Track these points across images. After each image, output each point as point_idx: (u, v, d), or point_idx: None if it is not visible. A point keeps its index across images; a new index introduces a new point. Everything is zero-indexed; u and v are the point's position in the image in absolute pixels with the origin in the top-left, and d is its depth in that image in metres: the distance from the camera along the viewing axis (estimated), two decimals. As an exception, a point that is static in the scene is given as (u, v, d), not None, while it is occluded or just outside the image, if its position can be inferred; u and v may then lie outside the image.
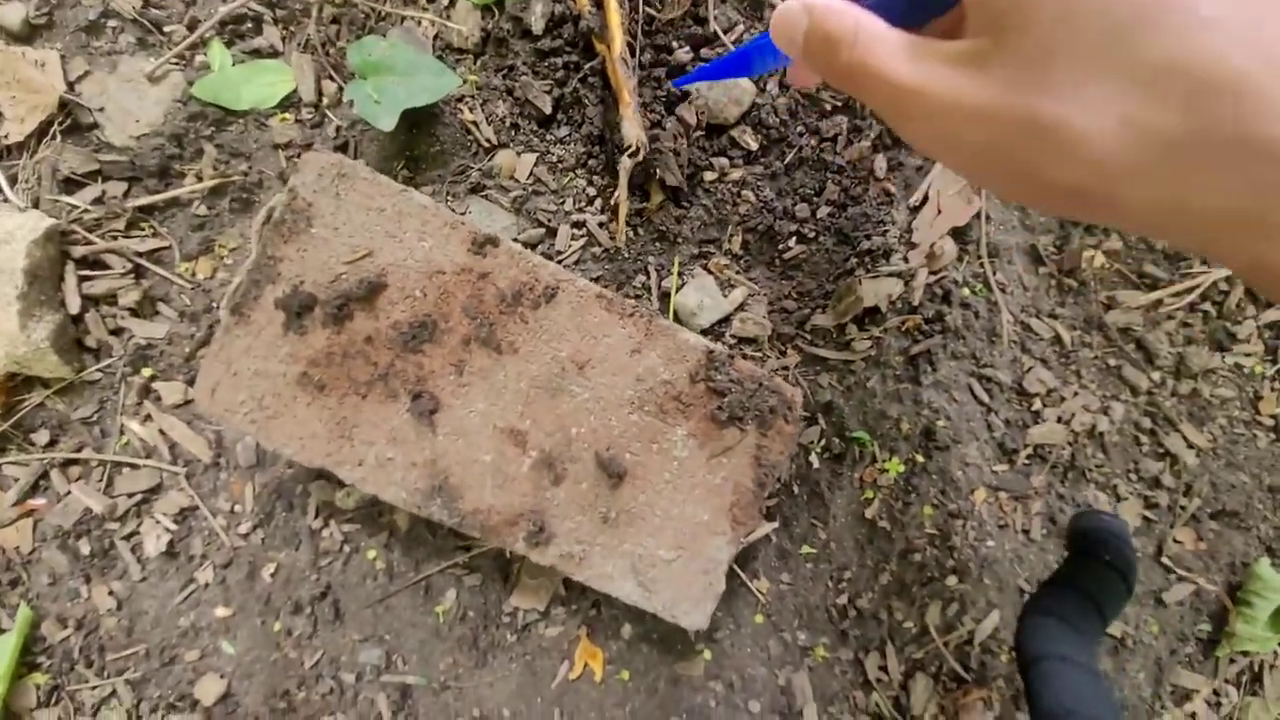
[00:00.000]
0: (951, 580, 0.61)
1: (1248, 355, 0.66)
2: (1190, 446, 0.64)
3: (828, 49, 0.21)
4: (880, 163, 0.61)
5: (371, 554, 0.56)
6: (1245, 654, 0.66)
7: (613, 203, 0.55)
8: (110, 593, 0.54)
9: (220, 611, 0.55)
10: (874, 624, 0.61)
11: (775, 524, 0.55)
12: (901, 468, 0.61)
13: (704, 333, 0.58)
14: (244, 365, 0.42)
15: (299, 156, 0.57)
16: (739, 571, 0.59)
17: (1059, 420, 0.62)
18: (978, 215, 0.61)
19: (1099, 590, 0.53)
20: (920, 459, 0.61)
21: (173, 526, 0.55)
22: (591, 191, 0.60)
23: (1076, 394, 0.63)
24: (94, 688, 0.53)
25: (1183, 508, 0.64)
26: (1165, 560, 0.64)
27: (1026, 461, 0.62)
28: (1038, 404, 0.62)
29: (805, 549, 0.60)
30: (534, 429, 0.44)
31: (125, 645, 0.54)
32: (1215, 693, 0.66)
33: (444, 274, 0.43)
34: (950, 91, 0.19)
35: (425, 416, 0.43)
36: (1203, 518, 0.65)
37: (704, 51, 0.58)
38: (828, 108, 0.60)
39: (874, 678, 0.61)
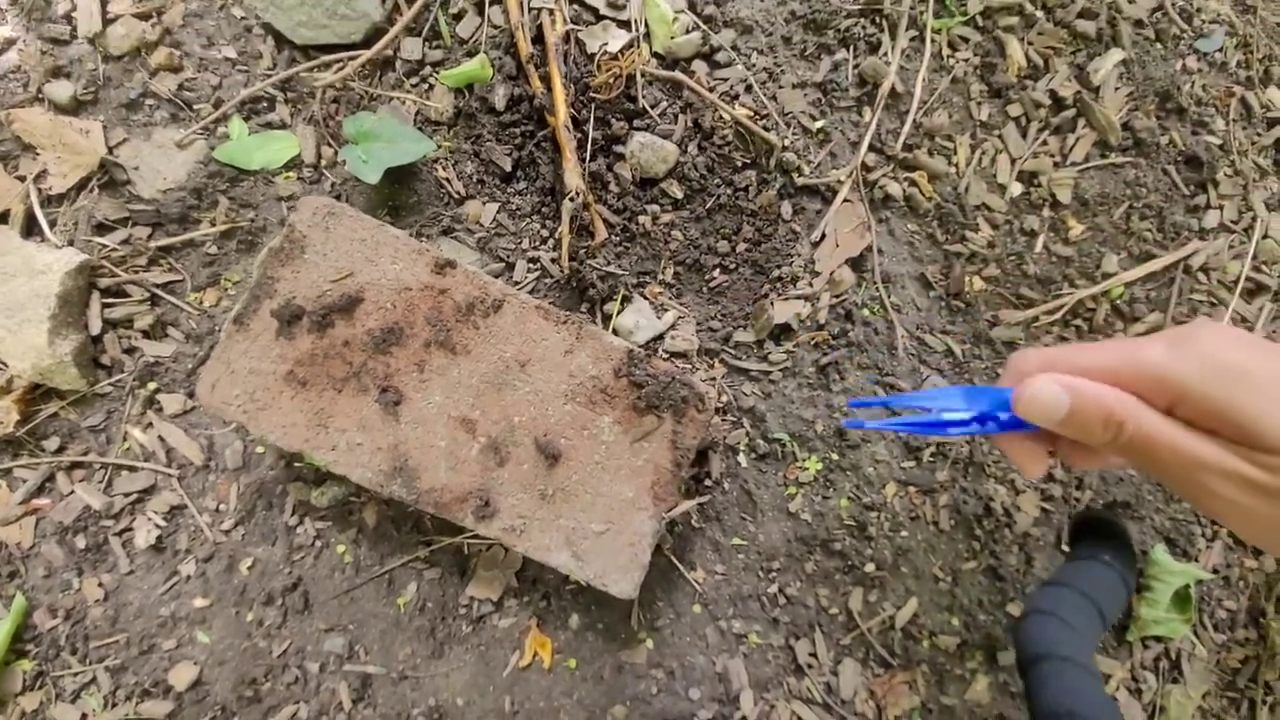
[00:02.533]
0: (870, 568, 0.67)
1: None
2: (1076, 445, 0.73)
3: (1108, 426, 0.25)
4: (786, 208, 0.73)
5: (341, 549, 0.62)
6: (1159, 639, 0.71)
7: (556, 236, 0.66)
8: (99, 584, 0.59)
9: (199, 602, 0.60)
10: (803, 611, 0.67)
11: (694, 502, 0.62)
12: (819, 465, 0.69)
13: (641, 348, 0.67)
14: (241, 365, 0.51)
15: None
16: (677, 563, 0.65)
17: (956, 421, 0.71)
18: (870, 248, 0.73)
19: (1098, 590, 0.55)
20: (835, 457, 0.69)
21: (162, 523, 0.61)
22: (545, 233, 0.71)
23: (970, 399, 0.72)
24: (75, 674, 0.58)
25: (1077, 499, 0.72)
26: (1065, 549, 0.71)
27: (931, 459, 0.70)
28: (936, 407, 0.71)
29: (736, 541, 0.67)
30: (482, 418, 0.52)
31: (108, 634, 0.59)
32: (1134, 678, 0.70)
33: (411, 290, 0.52)
34: (1240, 471, 0.23)
35: (390, 407, 0.51)
36: (1096, 508, 0.72)
37: (635, 122, 0.71)
38: (738, 164, 0.72)
39: (804, 663, 0.65)
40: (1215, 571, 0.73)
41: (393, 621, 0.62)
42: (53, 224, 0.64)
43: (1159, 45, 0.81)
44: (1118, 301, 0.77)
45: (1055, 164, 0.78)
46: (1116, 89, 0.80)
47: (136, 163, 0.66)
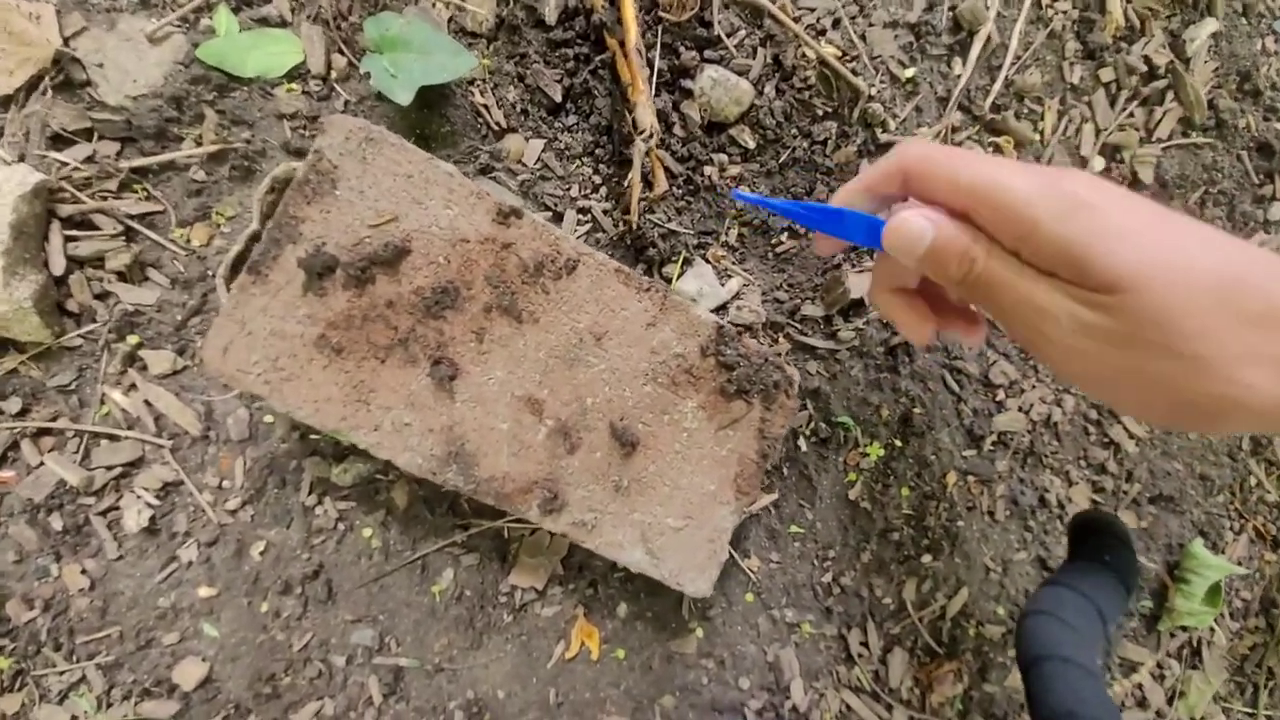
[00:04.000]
0: (926, 558, 0.65)
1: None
2: (1131, 437, 0.71)
3: (961, 263, 0.26)
4: (865, 166, 0.65)
5: (367, 532, 0.55)
6: (1185, 629, 0.72)
7: (625, 186, 0.57)
8: (83, 571, 0.51)
9: (204, 592, 0.53)
10: (855, 601, 0.64)
11: (775, 495, 0.57)
12: (881, 452, 0.65)
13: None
14: (259, 325, 0.42)
15: (305, 128, 0.56)
16: (731, 551, 0.61)
17: (1020, 410, 0.68)
18: (952, 220, 0.67)
19: (1099, 591, 0.55)
20: (898, 444, 0.65)
21: (155, 502, 0.52)
22: (597, 179, 0.62)
23: (1034, 386, 0.69)
24: (62, 672, 0.50)
25: (1125, 492, 0.71)
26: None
27: (991, 448, 0.68)
28: (1001, 394, 0.68)
29: (793, 528, 0.63)
30: (551, 398, 0.45)
31: (98, 627, 0.51)
32: (1159, 665, 0.72)
33: (468, 242, 0.43)
34: (1081, 318, 0.23)
35: (444, 383, 0.43)
36: (1142, 501, 0.72)
37: (707, 53, 0.61)
38: (819, 113, 0.64)
39: (855, 652, 0.64)
40: (1239, 564, 0.74)
41: (427, 611, 0.56)
42: (0, 133, 0.51)
43: (1245, 21, 0.76)
44: (1183, 290, 0.74)
45: (1141, 139, 0.73)
46: (1206, 63, 0.75)
47: (99, 59, 0.53)
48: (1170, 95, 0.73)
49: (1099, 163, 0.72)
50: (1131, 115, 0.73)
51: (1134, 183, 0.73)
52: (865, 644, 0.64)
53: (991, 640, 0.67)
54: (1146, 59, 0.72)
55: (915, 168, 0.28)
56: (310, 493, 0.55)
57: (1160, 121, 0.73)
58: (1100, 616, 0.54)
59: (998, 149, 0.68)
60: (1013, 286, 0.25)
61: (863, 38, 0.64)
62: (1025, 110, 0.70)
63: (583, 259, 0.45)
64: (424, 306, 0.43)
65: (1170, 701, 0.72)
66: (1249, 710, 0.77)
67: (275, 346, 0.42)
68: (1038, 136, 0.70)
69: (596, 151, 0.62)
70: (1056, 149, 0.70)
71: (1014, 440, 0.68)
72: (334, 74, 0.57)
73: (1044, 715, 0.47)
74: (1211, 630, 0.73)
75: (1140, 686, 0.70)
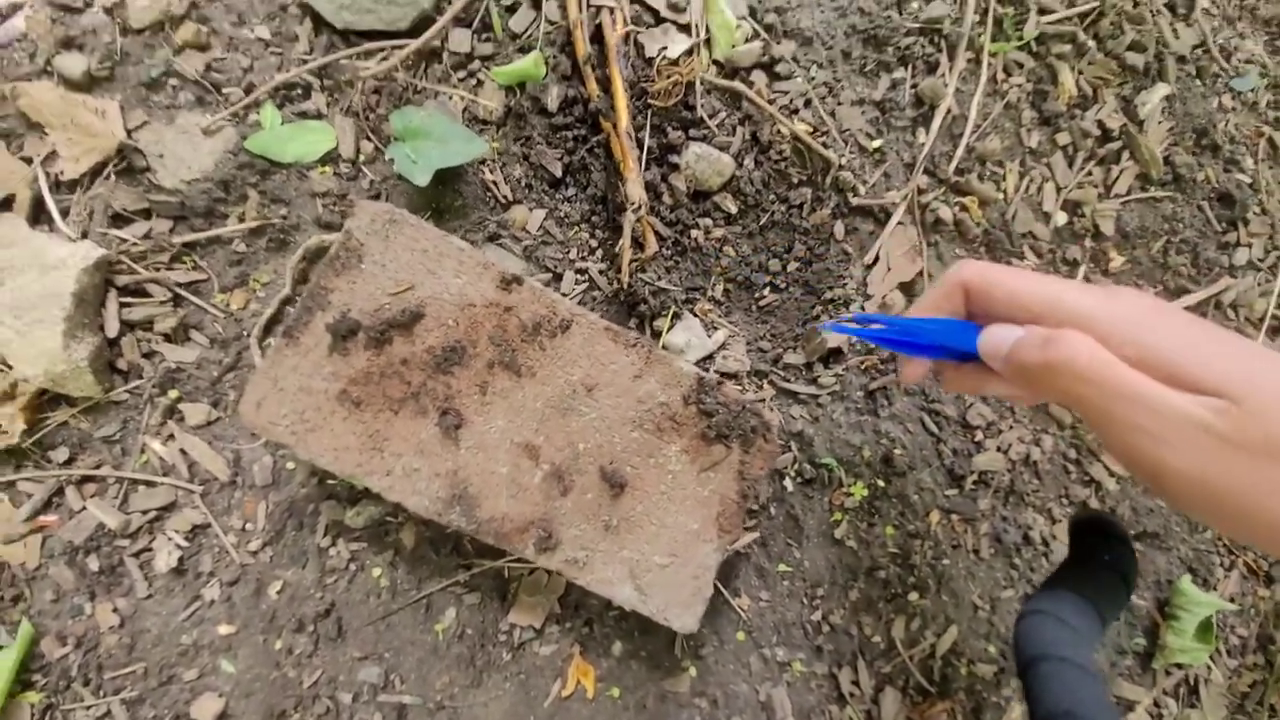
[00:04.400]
0: (913, 596, 0.67)
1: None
2: (1111, 474, 0.74)
3: (1073, 379, 0.26)
4: (839, 227, 0.71)
5: (376, 572, 0.59)
6: (1180, 666, 0.73)
7: (617, 250, 0.63)
8: (114, 610, 0.55)
9: (223, 629, 0.56)
10: (845, 639, 0.66)
11: (756, 534, 0.60)
12: (865, 491, 0.68)
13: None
14: (290, 382, 0.47)
15: (335, 205, 0.64)
16: (722, 589, 0.64)
17: (998, 449, 0.71)
18: (920, 273, 0.72)
19: (1097, 591, 0.55)
20: (881, 483, 0.68)
21: (184, 543, 0.57)
22: (593, 244, 0.69)
23: (1011, 427, 0.72)
24: (89, 707, 0.53)
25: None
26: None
27: (973, 487, 0.70)
28: (979, 435, 0.71)
29: (782, 567, 0.66)
30: (546, 444, 0.50)
31: (124, 663, 0.55)
32: (1155, 704, 0.72)
33: (475, 306, 0.49)
34: (1198, 416, 0.23)
35: (450, 431, 0.48)
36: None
37: (691, 132, 0.69)
38: (795, 180, 0.71)
39: (847, 691, 0.65)
40: (1231, 600, 0.75)
41: (430, 649, 0.59)
42: (65, 213, 0.59)
43: (1199, 82, 0.82)
44: (1152, 334, 0.78)
45: (1099, 195, 0.79)
46: (1159, 123, 0.81)
47: (159, 149, 0.61)
48: (1126, 154, 0.79)
49: (1061, 217, 0.77)
50: (1090, 173, 0.79)
51: (1096, 234, 0.78)
52: (856, 683, 0.65)
53: (983, 679, 0.68)
54: (1100, 123, 0.78)
55: (975, 284, 0.29)
56: (325, 534, 0.59)
57: (1118, 178, 0.79)
58: (1099, 616, 0.54)
59: (964, 208, 0.74)
60: (1121, 382, 0.24)
61: (832, 114, 0.71)
62: (988, 172, 0.76)
63: (576, 319, 0.51)
64: (434, 363, 0.48)
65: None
66: None
67: (303, 401, 0.47)
68: (1001, 195, 0.76)
69: (593, 219, 0.69)
70: (1020, 206, 0.76)
71: (994, 479, 0.71)
72: (362, 157, 0.65)
73: (1042, 715, 0.47)
74: (1208, 668, 0.73)
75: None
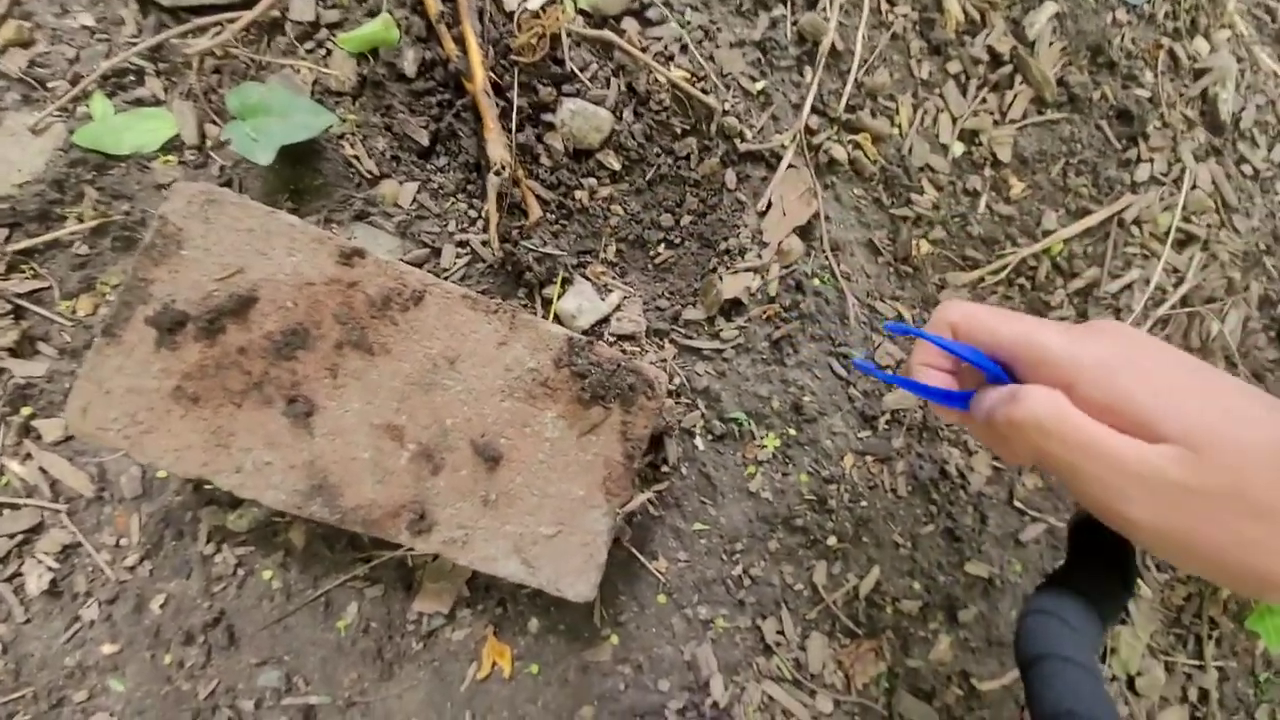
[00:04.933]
0: (832, 541, 0.67)
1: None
2: (1024, 402, 0.74)
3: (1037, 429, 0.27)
4: (730, 176, 0.69)
5: (267, 574, 0.57)
6: (1101, 584, 0.74)
7: (483, 215, 0.60)
8: (-14, 640, 0.52)
9: (107, 649, 0.54)
10: (768, 590, 0.66)
11: (648, 494, 0.59)
12: (777, 442, 0.67)
13: (585, 333, 0.63)
14: (116, 384, 0.44)
15: (184, 195, 0.60)
16: (637, 555, 0.63)
17: (909, 388, 0.71)
18: (817, 215, 0.70)
19: (1097, 591, 0.54)
20: (793, 432, 0.67)
21: (55, 565, 0.54)
22: (473, 214, 0.66)
23: (922, 364, 0.72)
24: (-32, 742, 0.51)
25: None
26: (1017, 504, 0.72)
27: (886, 427, 0.70)
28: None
29: (697, 526, 0.65)
30: (410, 423, 0.47)
31: (12, 689, 0.52)
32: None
33: (314, 285, 0.46)
34: (1155, 463, 0.24)
35: (301, 419, 0.45)
36: (1043, 464, 0.74)
37: (564, 87, 0.65)
38: (678, 130, 0.68)
39: (773, 642, 0.65)
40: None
41: (334, 647, 0.57)
42: (-122, 230, 0.54)
43: (1090, -1, 0.81)
44: (1058, 258, 0.78)
45: (995, 122, 0.77)
46: (1051, 44, 0.80)
47: (-22, 152, 0.56)
48: (1019, 79, 0.78)
49: (959, 148, 0.76)
50: (985, 101, 0.77)
51: (995, 162, 0.77)
52: (781, 632, 0.65)
53: (909, 615, 0.68)
54: (990, 49, 0.77)
55: (960, 325, 0.32)
56: (208, 541, 0.56)
57: (1012, 103, 0.78)
58: (1100, 616, 0.55)
59: (857, 146, 0.72)
60: (1081, 437, 0.25)
61: (710, 58, 0.69)
62: (880, 108, 0.74)
63: (429, 289, 0.48)
64: (275, 349, 0.45)
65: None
66: (1196, 662, 0.77)
67: (133, 402, 0.44)
68: (895, 130, 0.74)
69: (469, 188, 0.66)
70: (915, 139, 0.74)
71: (907, 417, 0.70)
72: (208, 143, 0.61)
73: (1042, 714, 0.47)
74: (1139, 585, 0.74)
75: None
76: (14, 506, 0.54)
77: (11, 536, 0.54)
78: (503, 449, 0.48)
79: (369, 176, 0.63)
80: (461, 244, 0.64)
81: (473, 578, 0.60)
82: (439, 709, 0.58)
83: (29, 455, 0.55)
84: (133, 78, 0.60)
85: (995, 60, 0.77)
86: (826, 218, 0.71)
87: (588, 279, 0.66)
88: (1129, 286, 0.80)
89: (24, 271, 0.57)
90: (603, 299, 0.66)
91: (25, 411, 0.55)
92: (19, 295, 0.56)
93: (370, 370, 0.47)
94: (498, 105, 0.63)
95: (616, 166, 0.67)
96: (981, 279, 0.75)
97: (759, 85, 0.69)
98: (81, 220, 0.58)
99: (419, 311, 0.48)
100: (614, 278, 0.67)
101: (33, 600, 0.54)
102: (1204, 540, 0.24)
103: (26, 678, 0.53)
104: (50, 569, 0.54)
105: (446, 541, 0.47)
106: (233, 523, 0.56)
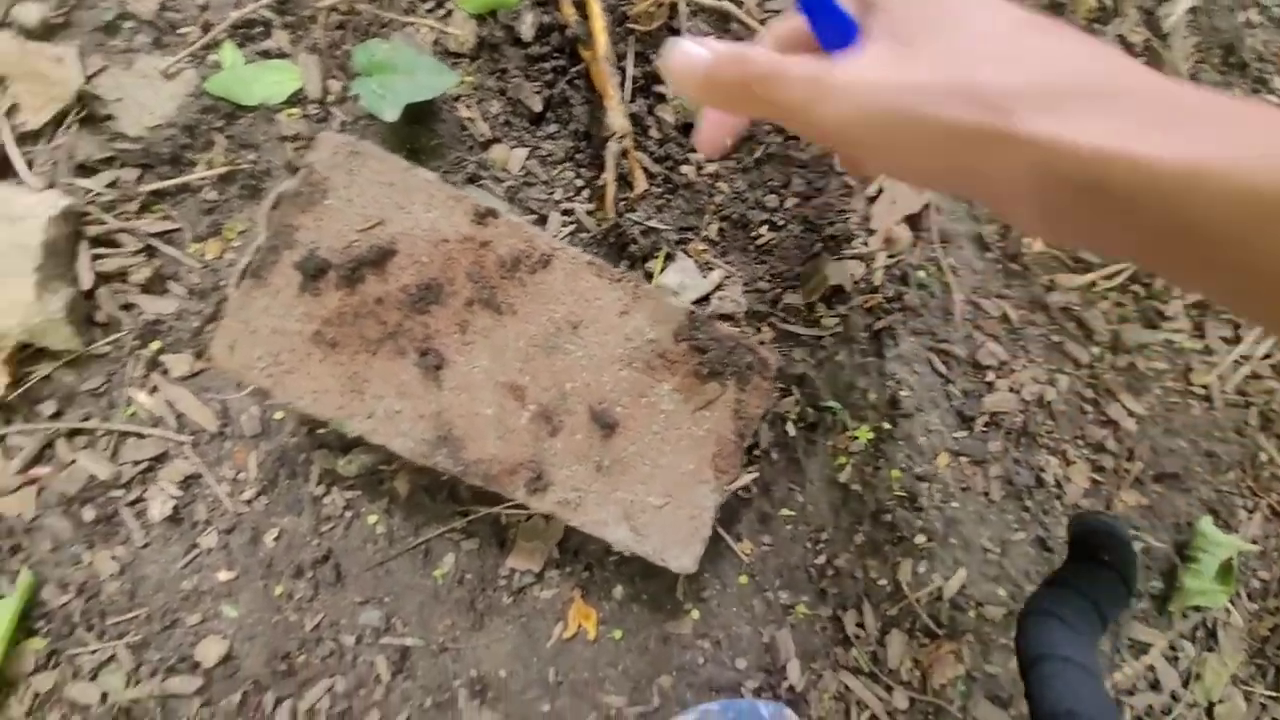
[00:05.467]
0: (921, 539, 0.66)
1: (1177, 331, 0.73)
2: (1130, 414, 0.70)
3: (736, 72, 0.25)
4: (839, 159, 0.67)
5: (372, 519, 0.59)
6: (1197, 609, 0.71)
7: (600, 181, 0.60)
8: (113, 558, 0.55)
9: (223, 575, 0.56)
10: (851, 582, 0.65)
11: (755, 475, 0.59)
12: (870, 435, 0.66)
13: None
14: (261, 324, 0.45)
15: (304, 148, 0.61)
16: (724, 534, 0.63)
17: (1010, 390, 0.68)
18: (928, 205, 0.68)
19: (1098, 591, 0.55)
20: (887, 426, 0.66)
21: (177, 493, 0.57)
22: (579, 183, 0.65)
23: (1025, 366, 0.69)
24: (94, 651, 0.54)
25: (1127, 470, 0.70)
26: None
27: (984, 428, 0.68)
28: (990, 375, 0.68)
29: (784, 512, 0.64)
30: (532, 384, 0.48)
31: (127, 609, 0.55)
32: (1171, 646, 0.70)
33: (448, 242, 0.47)
34: (853, 70, 0.23)
35: (431, 372, 0.46)
36: (1146, 480, 0.71)
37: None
38: (793, 107, 0.66)
39: (852, 634, 0.64)
40: (1254, 542, 0.72)
41: (430, 593, 0.59)
42: (30, 164, 0.57)
43: (1225, -4, 0.76)
44: (1178, 265, 0.74)
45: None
46: (1184, 38, 0.75)
47: (118, 94, 0.58)
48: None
49: (1082, 141, 0.72)
50: (1114, 92, 0.73)
51: (1119, 159, 0.73)
52: (861, 625, 0.65)
53: (992, 621, 0.67)
54: (1121, 38, 0.72)
55: None
56: (319, 483, 0.58)
57: (1144, 97, 0.73)
58: (1100, 616, 0.54)
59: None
60: (769, 68, 0.24)
61: (832, 32, 0.66)
62: (1002, 93, 0.71)
63: (556, 254, 0.48)
64: (410, 302, 0.46)
65: (1186, 684, 0.70)
66: (1273, 694, 0.74)
67: (276, 343, 0.45)
68: (1016, 118, 0.71)
69: (577, 156, 0.65)
70: (1036, 130, 0.71)
71: (1006, 420, 0.68)
72: (330, 98, 0.62)
73: (1042, 714, 0.47)
74: (1227, 611, 0.71)
75: (1152, 668, 0.69)
76: (140, 436, 0.57)
77: (137, 463, 0.57)
78: (618, 417, 0.48)
79: (481, 140, 0.63)
80: (567, 212, 0.64)
81: (563, 540, 0.61)
82: (524, 662, 0.60)
83: (156, 388, 0.58)
84: (261, 29, 0.61)
85: (1126, 50, 0.73)
86: (937, 208, 0.68)
87: (689, 256, 0.66)
88: (1251, 300, 0.75)
89: (156, 212, 0.59)
90: (703, 277, 0.65)
91: (154, 346, 0.58)
92: (151, 235, 0.58)
93: (497, 329, 0.47)
94: (615, 73, 0.62)
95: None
96: (1093, 283, 0.71)
97: (880, 64, 0.67)
98: (211, 166, 0.59)
99: (546, 275, 0.48)
100: (715, 256, 0.66)
101: (153, 525, 0.57)
102: (899, 109, 0.22)
103: (142, 599, 0.56)
104: (173, 497, 0.57)
105: (560, 502, 0.48)
106: (342, 467, 0.57)
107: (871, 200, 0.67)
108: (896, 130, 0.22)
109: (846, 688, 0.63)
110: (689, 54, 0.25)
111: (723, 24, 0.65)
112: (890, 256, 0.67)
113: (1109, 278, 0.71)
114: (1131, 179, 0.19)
